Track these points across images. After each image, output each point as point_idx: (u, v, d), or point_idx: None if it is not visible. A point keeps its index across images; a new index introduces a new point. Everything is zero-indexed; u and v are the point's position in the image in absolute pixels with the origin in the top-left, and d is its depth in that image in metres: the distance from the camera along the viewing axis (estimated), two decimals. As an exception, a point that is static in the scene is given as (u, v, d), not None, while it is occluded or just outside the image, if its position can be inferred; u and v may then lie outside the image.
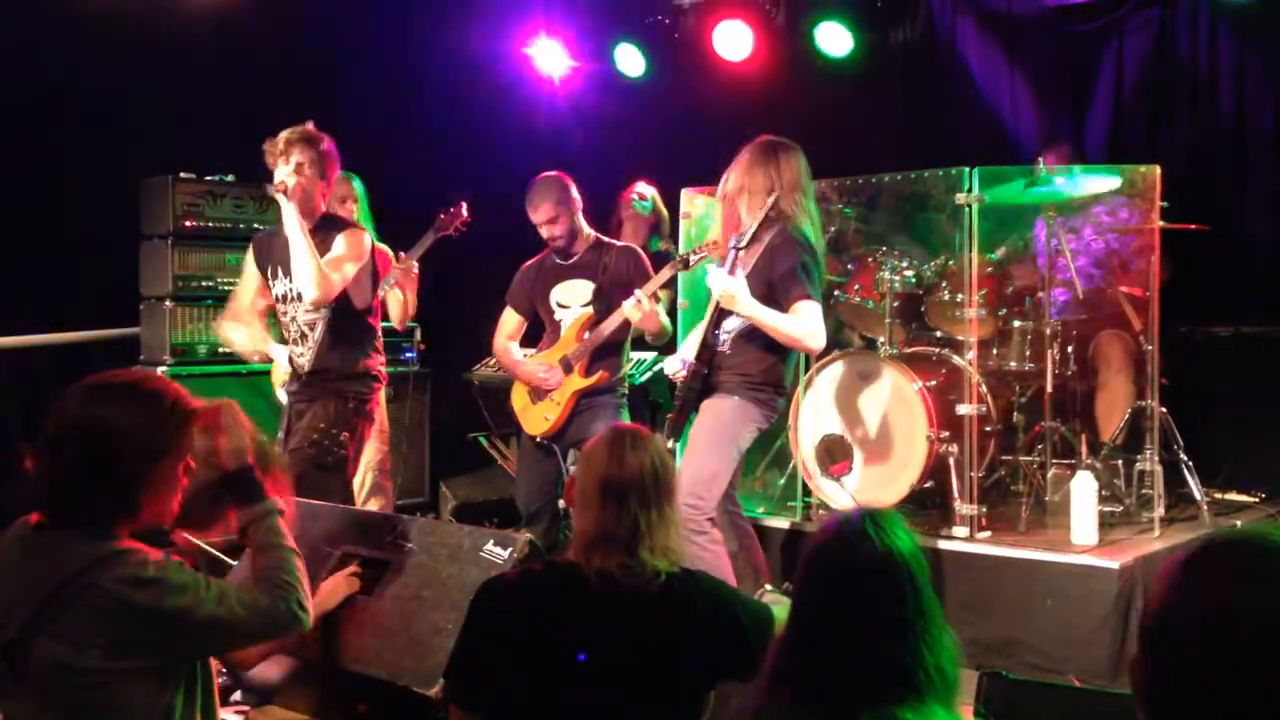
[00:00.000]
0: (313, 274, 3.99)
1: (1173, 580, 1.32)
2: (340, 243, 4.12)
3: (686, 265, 4.50)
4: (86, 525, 2.14)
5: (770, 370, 3.94)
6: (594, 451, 2.36)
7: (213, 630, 2.18)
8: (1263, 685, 1.23)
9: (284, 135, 4.11)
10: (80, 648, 2.06)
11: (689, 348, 4.07)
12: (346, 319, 4.18)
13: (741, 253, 3.87)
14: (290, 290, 4.18)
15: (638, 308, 4.31)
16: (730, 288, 3.75)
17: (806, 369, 4.90)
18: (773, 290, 3.85)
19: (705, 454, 3.89)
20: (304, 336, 4.21)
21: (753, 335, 3.91)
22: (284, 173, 4.06)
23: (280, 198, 4.00)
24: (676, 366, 4.09)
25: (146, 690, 2.14)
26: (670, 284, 4.56)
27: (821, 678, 1.75)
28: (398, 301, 5.50)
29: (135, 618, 2.09)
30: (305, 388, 4.23)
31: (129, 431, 2.14)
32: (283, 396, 4.47)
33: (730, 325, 3.96)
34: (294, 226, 3.99)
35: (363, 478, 5.18)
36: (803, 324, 3.80)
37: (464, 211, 5.28)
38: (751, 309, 3.79)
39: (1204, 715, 1.26)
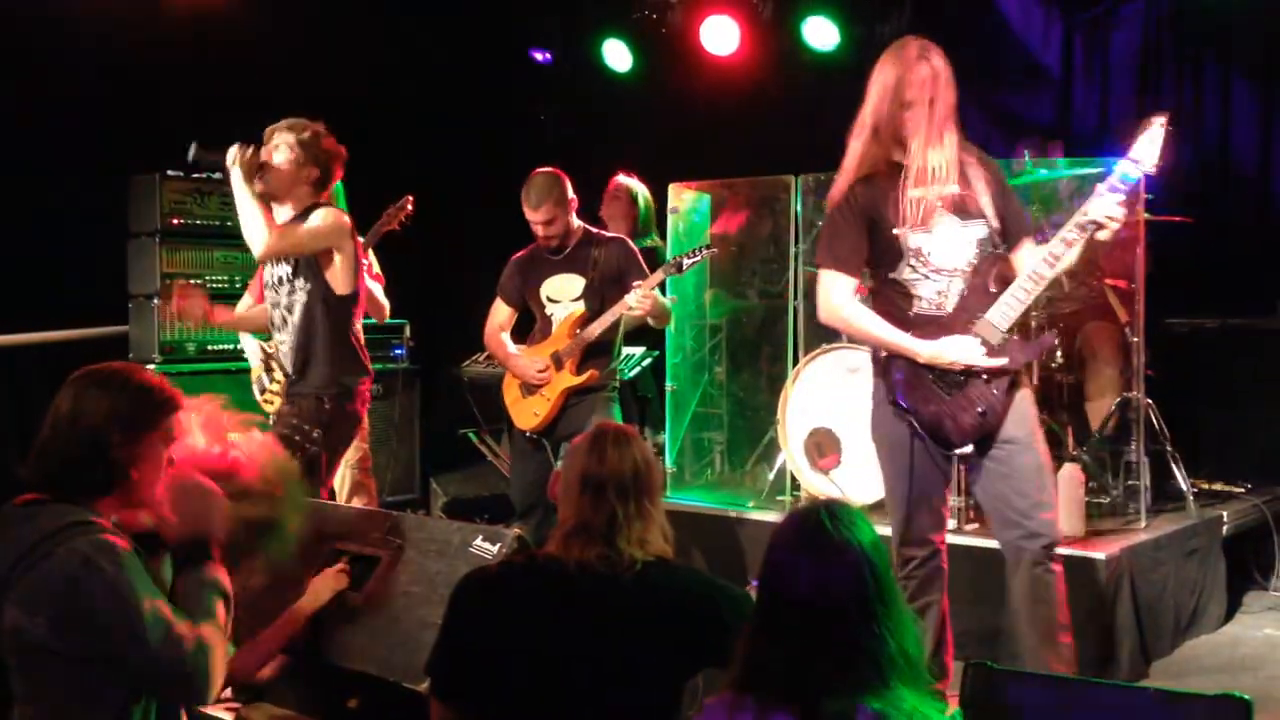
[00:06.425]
0: (258, 222, 3.86)
1: None
2: (314, 218, 3.97)
3: (680, 269, 4.51)
4: (71, 499, 2.20)
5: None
6: (577, 448, 2.40)
7: (129, 649, 2.07)
8: None
9: (274, 126, 4.06)
10: (30, 614, 2.07)
11: (971, 323, 3.18)
12: (327, 300, 4.00)
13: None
14: (276, 274, 4.06)
15: (640, 301, 4.33)
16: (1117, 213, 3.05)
17: (795, 363, 4.91)
18: (1006, 224, 3.29)
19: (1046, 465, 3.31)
20: (284, 321, 4.07)
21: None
22: (268, 153, 4.00)
23: (234, 169, 3.90)
24: (976, 354, 3.14)
25: (96, 681, 2.10)
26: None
27: (787, 668, 1.78)
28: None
29: (73, 595, 2.06)
30: (287, 387, 4.09)
31: (111, 410, 2.23)
32: (257, 393, 4.38)
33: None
34: (236, 181, 3.90)
35: (343, 475, 5.15)
36: None
37: (409, 205, 5.13)
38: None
39: None
